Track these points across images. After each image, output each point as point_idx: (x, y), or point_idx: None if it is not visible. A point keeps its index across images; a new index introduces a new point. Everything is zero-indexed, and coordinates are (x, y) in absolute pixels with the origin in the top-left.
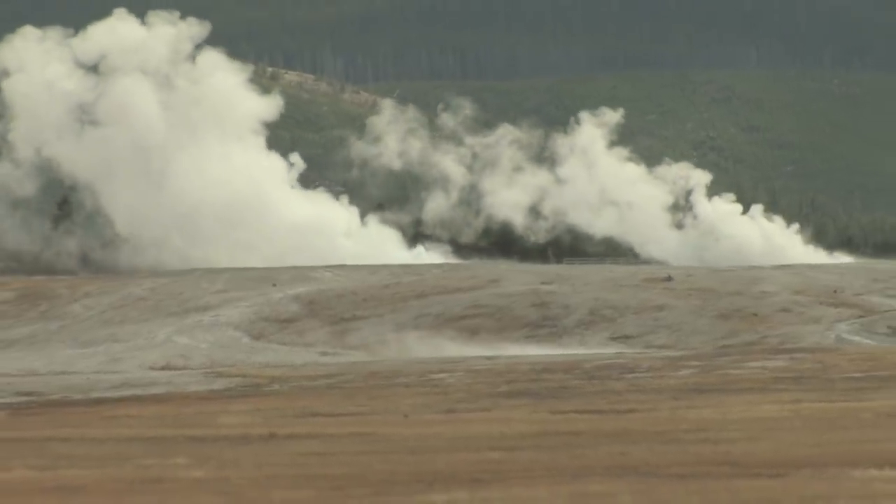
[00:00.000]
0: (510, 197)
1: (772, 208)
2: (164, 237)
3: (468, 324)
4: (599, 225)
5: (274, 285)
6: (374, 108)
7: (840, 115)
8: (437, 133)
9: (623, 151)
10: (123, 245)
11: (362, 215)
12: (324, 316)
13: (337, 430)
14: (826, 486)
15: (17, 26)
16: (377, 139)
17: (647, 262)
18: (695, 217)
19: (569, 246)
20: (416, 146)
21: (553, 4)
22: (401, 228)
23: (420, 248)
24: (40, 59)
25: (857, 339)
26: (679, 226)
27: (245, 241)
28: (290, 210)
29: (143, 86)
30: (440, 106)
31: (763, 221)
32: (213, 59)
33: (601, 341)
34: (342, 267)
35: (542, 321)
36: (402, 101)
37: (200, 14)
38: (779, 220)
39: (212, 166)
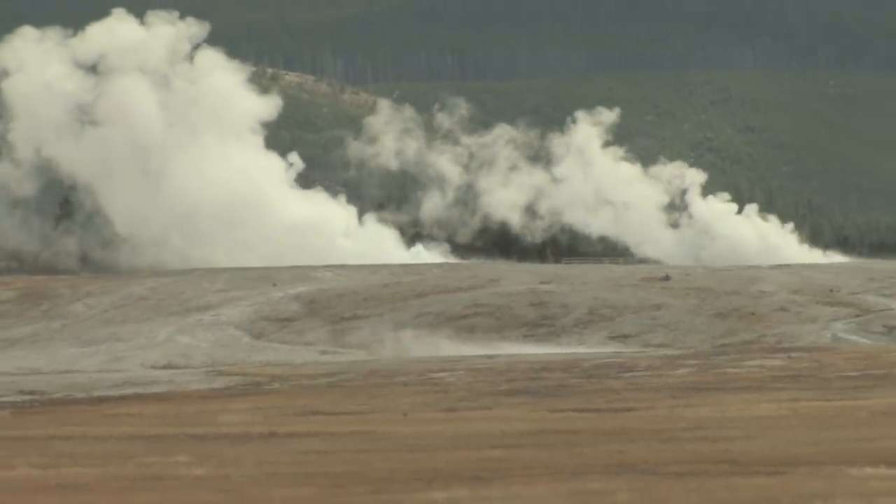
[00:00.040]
0: (506, 196)
1: (768, 208)
2: (163, 237)
3: (468, 323)
4: (595, 224)
5: (274, 285)
6: (373, 109)
7: (836, 116)
8: (433, 133)
9: (619, 151)
10: (123, 245)
11: (360, 215)
12: (324, 315)
13: (337, 429)
14: (823, 484)
15: (16, 26)
16: (374, 139)
17: (644, 261)
18: (690, 216)
19: (565, 245)
20: (413, 146)
21: (551, 6)
22: (399, 228)
23: (418, 248)
24: (40, 59)
25: (853, 338)
26: (674, 225)
27: (244, 240)
28: (289, 210)
29: (142, 86)
30: (436, 106)
31: (758, 221)
32: (212, 59)
33: (600, 340)
34: (343, 266)
35: (541, 320)
36: (401, 101)
37: (200, 15)
38: (774, 220)
39: (210, 166)
